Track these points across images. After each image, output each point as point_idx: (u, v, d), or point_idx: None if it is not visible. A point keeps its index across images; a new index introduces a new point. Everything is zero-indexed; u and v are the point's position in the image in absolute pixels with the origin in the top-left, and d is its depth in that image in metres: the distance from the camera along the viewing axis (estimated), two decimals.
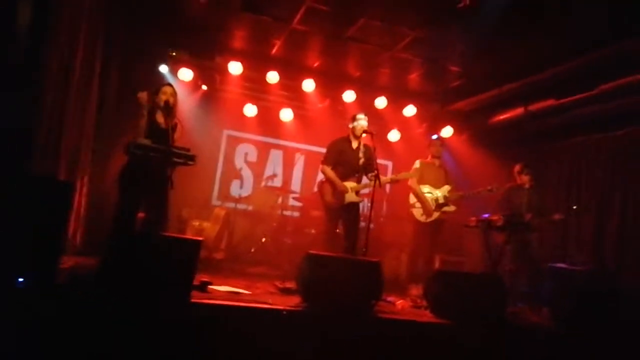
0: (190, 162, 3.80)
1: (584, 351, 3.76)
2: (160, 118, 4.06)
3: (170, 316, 2.86)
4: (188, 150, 3.87)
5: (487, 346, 3.46)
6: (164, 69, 6.02)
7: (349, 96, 6.63)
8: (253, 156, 7.46)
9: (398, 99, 6.89)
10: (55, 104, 3.93)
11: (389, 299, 4.35)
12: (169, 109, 4.05)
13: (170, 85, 4.29)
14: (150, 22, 5.65)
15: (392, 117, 7.14)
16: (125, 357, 2.66)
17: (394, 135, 7.48)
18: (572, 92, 5.36)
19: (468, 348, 3.38)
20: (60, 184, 3.12)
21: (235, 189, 7.20)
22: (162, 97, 4.06)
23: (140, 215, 4.08)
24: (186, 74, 6.17)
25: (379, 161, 7.73)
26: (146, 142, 3.65)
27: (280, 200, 6.58)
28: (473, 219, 5.11)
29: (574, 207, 5.62)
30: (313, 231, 6.28)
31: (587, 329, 3.98)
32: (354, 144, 4.87)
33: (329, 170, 4.84)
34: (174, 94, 4.18)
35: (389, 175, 7.28)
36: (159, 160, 3.70)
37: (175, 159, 3.73)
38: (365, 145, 4.84)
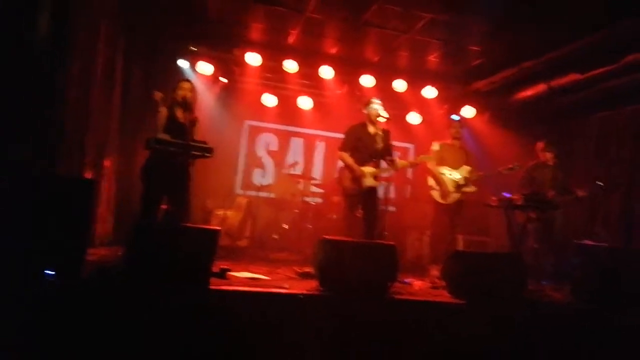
0: (208, 155, 3.93)
1: (606, 328, 3.71)
2: (179, 113, 4.20)
3: (190, 303, 3.01)
4: (205, 143, 4.01)
5: (503, 324, 3.47)
6: (183, 63, 6.16)
7: (367, 81, 6.62)
8: (274, 145, 7.57)
9: (417, 81, 6.82)
10: (79, 103, 4.14)
11: (407, 280, 4.41)
12: (187, 104, 4.19)
13: (188, 80, 4.44)
14: (168, 17, 5.79)
15: (412, 100, 7.08)
16: (146, 343, 2.82)
17: (415, 118, 7.42)
18: (596, 65, 5.20)
19: (482, 327, 3.40)
20: (85, 182, 3.30)
21: (257, 178, 7.35)
22: (180, 93, 4.21)
23: (164, 207, 4.27)
24: (205, 67, 6.29)
25: (401, 144, 7.76)
26: (165, 137, 3.81)
27: (301, 187, 6.67)
28: (494, 198, 5.06)
29: (600, 184, 5.47)
30: (335, 216, 6.36)
31: (610, 305, 3.93)
32: (371, 130, 4.88)
33: (346, 156, 4.88)
34: (192, 89, 4.31)
35: (410, 159, 7.31)
36: (178, 154, 3.85)
37: (194, 152, 3.87)
38: (383, 130, 4.85)
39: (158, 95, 3.98)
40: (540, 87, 5.97)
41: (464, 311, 3.54)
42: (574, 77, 5.47)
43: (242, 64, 6.42)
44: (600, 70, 5.16)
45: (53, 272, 2.71)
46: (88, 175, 4.30)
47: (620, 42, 4.78)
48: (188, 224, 3.87)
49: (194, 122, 4.30)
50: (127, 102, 5.47)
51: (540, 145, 5.75)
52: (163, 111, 4.06)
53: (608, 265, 4.21)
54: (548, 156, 5.59)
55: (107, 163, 5.00)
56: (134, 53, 5.62)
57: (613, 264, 4.24)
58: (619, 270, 4.15)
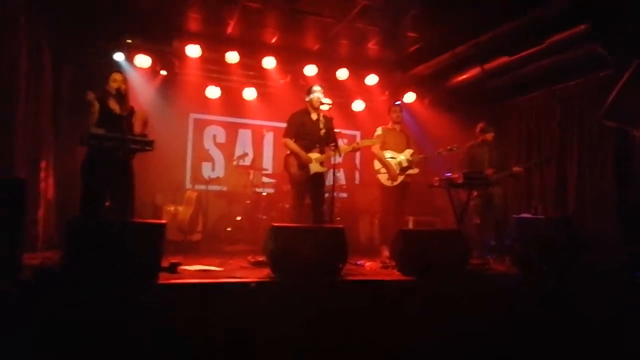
0: (148, 148, 3.84)
1: (543, 294, 3.96)
2: (114, 105, 4.10)
3: (139, 299, 2.95)
4: (145, 136, 3.91)
5: (449, 297, 3.63)
6: (119, 57, 5.95)
7: (310, 70, 6.65)
8: (222, 137, 7.49)
9: (359, 69, 6.92)
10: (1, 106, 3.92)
11: (359, 262, 4.52)
12: (122, 96, 4.07)
13: (119, 71, 4.31)
14: (100, 11, 5.56)
15: (355, 88, 7.19)
16: (96, 345, 2.74)
17: (358, 105, 7.55)
18: (523, 47, 5.47)
19: (431, 301, 3.55)
20: (14, 181, 3.13)
21: (207, 171, 7.25)
22: (113, 85, 4.10)
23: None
24: (143, 60, 6.11)
25: (348, 132, 7.87)
26: (100, 132, 3.68)
27: (252, 177, 6.65)
28: (437, 179, 5.24)
29: (533, 160, 5.80)
30: (287, 205, 6.37)
31: (548, 273, 4.19)
32: (314, 116, 4.93)
33: (291, 142, 4.92)
34: (125, 80, 4.21)
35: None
36: (115, 148, 3.73)
37: (132, 146, 3.76)
38: (324, 117, 4.91)
39: (91, 95, 3.87)
40: (475, 71, 6.22)
41: (412, 287, 3.68)
42: (503, 59, 5.74)
43: (182, 56, 6.28)
44: (527, 51, 5.44)
45: None
46: (20, 175, 4.09)
47: (544, 23, 5.05)
48: (129, 220, 3.77)
49: (131, 114, 4.19)
50: (61, 100, 5.24)
51: (480, 125, 5.99)
52: (96, 106, 3.93)
53: (545, 236, 4.48)
54: (488, 136, 5.84)
55: (43, 163, 4.77)
56: (63, 49, 5.37)
57: (547, 233, 4.52)
58: (555, 240, 4.42)
